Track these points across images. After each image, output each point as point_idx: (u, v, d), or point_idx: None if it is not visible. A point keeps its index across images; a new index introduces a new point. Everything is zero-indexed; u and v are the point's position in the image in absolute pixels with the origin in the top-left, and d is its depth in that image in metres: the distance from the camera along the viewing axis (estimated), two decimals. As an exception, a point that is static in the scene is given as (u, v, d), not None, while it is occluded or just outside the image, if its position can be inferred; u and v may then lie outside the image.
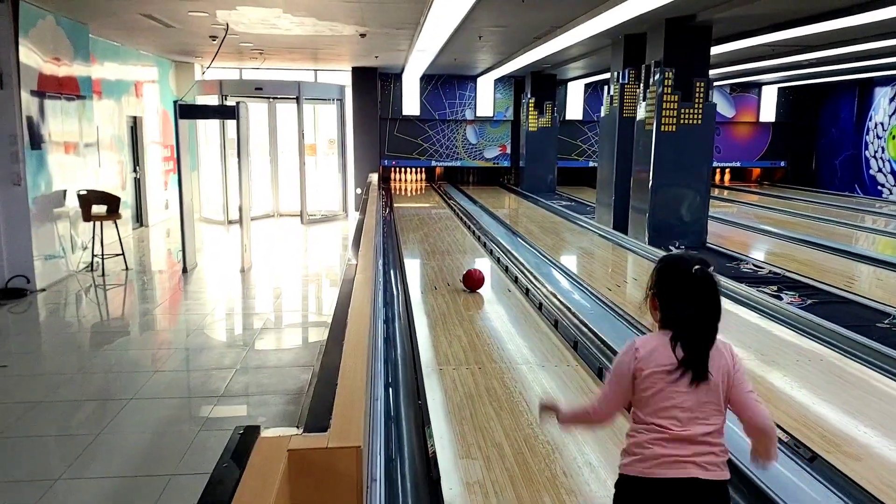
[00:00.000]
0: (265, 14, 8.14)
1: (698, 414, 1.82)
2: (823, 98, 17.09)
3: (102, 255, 8.31)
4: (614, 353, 4.46)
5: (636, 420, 1.90)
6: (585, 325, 5.00)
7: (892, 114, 14.87)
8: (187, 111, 8.29)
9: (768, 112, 17.47)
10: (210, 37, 9.92)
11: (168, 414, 4.26)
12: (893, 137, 14.83)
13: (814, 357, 4.61)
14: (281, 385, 4.71)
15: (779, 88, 17.23)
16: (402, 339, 4.92)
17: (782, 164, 17.85)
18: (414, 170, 17.19)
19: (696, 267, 1.86)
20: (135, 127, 11.99)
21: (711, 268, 1.88)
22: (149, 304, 7.07)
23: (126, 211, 11.34)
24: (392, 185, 16.82)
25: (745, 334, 5.12)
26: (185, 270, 8.46)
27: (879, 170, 15.25)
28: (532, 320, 5.45)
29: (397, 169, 17.07)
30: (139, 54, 12.05)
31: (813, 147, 17.50)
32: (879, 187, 15.24)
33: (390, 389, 3.96)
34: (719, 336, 1.87)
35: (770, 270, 7.14)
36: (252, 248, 9.99)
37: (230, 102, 11.82)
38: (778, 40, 8.90)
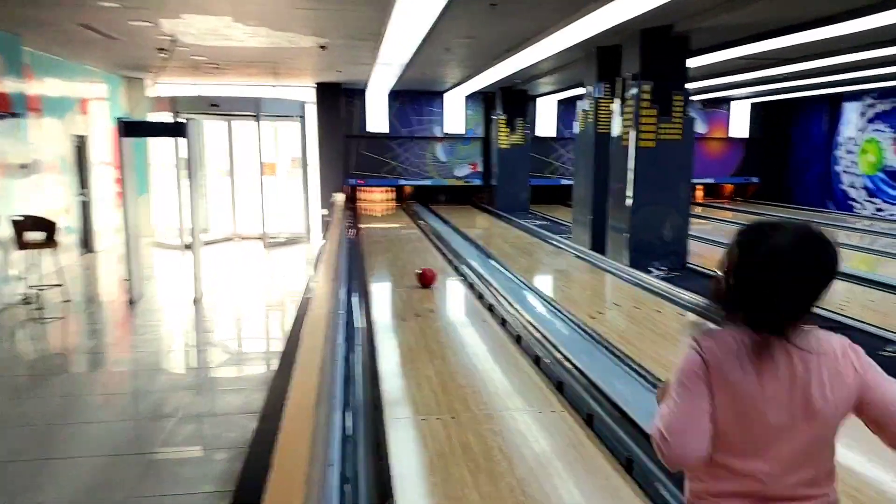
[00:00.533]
0: (214, 23, 7.57)
1: (797, 456, 1.31)
2: (793, 114, 17.05)
3: (39, 286, 7.57)
4: (603, 394, 3.94)
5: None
6: (570, 362, 4.48)
7: (862, 129, 14.82)
8: (131, 128, 7.64)
9: (740, 128, 17.38)
10: (158, 49, 9.30)
11: (88, 480, 3.61)
12: (864, 152, 14.77)
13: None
14: (226, 436, 4.11)
15: (750, 104, 17.16)
16: (365, 381, 4.33)
17: (755, 179, 17.73)
18: (382, 189, 16.64)
19: (807, 233, 1.34)
20: (81, 147, 11.27)
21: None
22: (86, 342, 6.38)
23: (71, 236, 10.60)
24: (360, 204, 16.25)
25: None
26: (131, 301, 7.77)
27: (851, 185, 15.17)
28: (510, 356, 4.90)
29: (365, 188, 16.51)
30: (85, 69, 11.36)
31: (785, 163, 17.42)
32: (851, 202, 15.15)
33: (348, 446, 3.38)
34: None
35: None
36: (208, 274, 9.33)
37: (184, 119, 11.23)
38: (756, 52, 8.61)
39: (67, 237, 10.44)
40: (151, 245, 12.50)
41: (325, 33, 8.18)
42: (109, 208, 11.88)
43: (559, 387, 4.13)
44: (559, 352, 4.71)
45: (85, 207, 11.41)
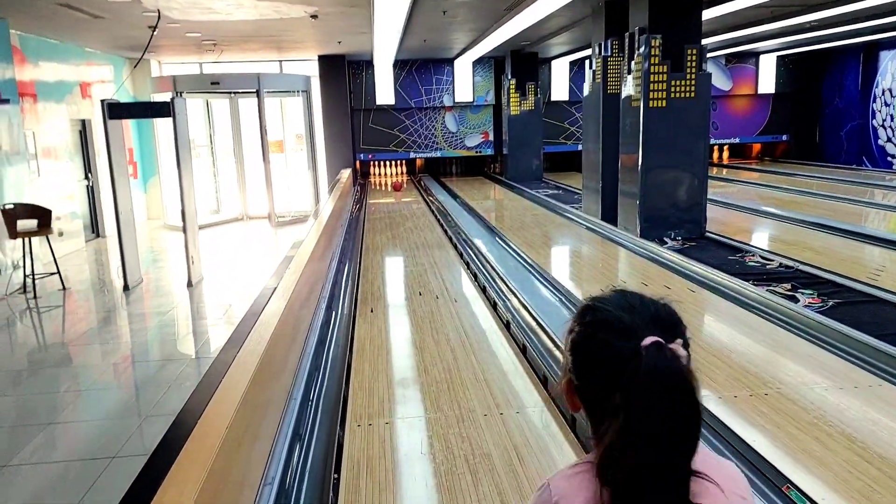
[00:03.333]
0: (194, -5, 7.20)
1: None
2: (825, 66, 16.04)
3: (34, 274, 7.42)
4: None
5: None
6: (561, 351, 4.06)
7: (901, 78, 13.85)
8: (115, 111, 7.36)
9: (767, 83, 16.43)
10: (149, 27, 8.97)
11: (43, 485, 3.41)
12: (903, 104, 13.83)
13: (856, 382, 3.65)
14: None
15: (777, 57, 16.18)
16: (331, 378, 3.99)
17: (784, 138, 16.83)
18: (394, 163, 16.21)
19: (651, 341, 0.88)
20: (84, 131, 11.07)
21: (682, 340, 0.90)
22: (71, 333, 6.19)
23: (76, 222, 10.47)
24: (372, 179, 15.89)
25: (755, 354, 4.19)
26: (126, 288, 7.60)
27: (889, 139, 14.24)
28: (497, 345, 4.49)
29: (375, 163, 16.10)
30: (84, 52, 11.10)
31: (816, 119, 16.47)
32: (890, 158, 14.24)
33: (296, 449, 3.03)
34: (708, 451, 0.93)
35: (781, 263, 6.20)
36: (213, 256, 9.16)
37: (188, 99, 10.99)
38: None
39: (72, 223, 10.32)
40: (162, 228, 12.38)
41: (312, 0, 7.75)
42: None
43: (544, 382, 3.74)
44: (551, 339, 4.30)
45: (91, 192, 11.26)
